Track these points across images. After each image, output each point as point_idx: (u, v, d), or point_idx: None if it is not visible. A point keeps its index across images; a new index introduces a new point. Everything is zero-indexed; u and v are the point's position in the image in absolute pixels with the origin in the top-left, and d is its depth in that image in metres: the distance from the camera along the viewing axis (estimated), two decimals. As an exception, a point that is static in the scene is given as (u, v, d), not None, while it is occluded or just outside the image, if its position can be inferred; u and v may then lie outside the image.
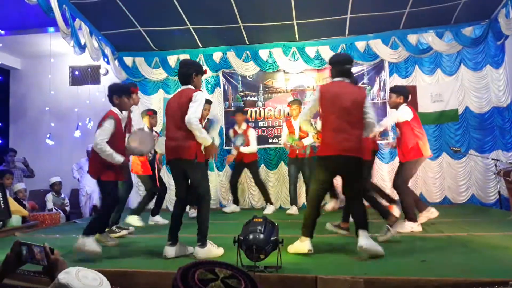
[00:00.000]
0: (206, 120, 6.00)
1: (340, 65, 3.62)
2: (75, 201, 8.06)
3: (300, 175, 6.41)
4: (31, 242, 1.52)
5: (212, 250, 3.48)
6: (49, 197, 7.45)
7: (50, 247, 1.48)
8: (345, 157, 3.40)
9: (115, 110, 3.90)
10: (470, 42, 7.06)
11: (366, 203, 3.74)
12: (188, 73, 3.62)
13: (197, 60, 7.84)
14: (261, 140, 7.50)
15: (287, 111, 7.37)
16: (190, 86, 3.63)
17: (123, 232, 4.76)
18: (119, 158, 3.74)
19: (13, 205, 5.75)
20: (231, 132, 6.92)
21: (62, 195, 7.67)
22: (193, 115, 3.40)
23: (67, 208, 7.61)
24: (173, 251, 3.46)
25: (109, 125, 3.73)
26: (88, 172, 4.14)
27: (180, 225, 3.58)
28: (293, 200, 6.44)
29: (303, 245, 3.46)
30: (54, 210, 7.10)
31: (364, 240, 3.27)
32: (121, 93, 3.96)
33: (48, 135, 7.72)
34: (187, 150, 3.46)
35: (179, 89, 3.74)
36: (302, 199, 6.90)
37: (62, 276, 1.19)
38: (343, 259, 3.27)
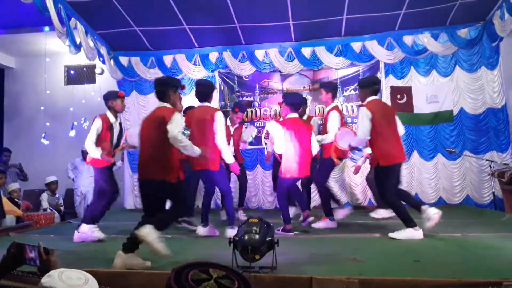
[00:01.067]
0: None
1: (373, 85, 4.47)
2: (69, 201, 8.02)
3: None
4: (25, 242, 1.52)
5: None
6: (44, 196, 7.42)
7: (45, 247, 1.47)
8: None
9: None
10: (465, 44, 7.09)
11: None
12: (163, 91, 3.53)
13: (193, 60, 7.85)
14: (256, 140, 7.50)
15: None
16: (166, 105, 3.51)
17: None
18: (197, 149, 3.55)
19: (7, 205, 5.72)
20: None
21: (57, 195, 7.64)
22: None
23: (62, 208, 7.58)
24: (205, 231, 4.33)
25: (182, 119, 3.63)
26: (146, 176, 3.47)
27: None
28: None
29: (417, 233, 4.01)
30: (48, 210, 7.07)
31: None
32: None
33: (43, 135, 7.69)
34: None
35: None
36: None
37: (45, 280, 1.19)
38: (338, 259, 3.27)
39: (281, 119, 6.17)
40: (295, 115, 4.78)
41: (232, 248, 2.83)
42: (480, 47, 7.11)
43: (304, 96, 6.64)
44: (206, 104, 4.57)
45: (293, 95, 5.50)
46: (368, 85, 4.47)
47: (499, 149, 6.95)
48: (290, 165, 4.62)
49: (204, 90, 4.59)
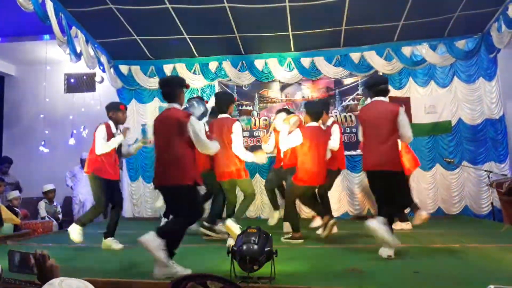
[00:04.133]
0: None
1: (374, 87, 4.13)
2: (68, 209, 8.00)
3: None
4: (22, 250, 1.51)
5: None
6: (42, 204, 7.39)
7: (42, 254, 1.46)
8: None
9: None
10: (463, 55, 7.15)
11: None
12: (172, 92, 3.46)
13: (193, 70, 7.89)
14: (256, 149, 7.48)
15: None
16: (175, 105, 3.43)
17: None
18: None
19: (5, 213, 5.71)
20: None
21: (55, 203, 7.61)
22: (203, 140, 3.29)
23: (60, 216, 7.55)
24: None
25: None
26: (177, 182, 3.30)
27: None
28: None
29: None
30: (46, 218, 7.04)
31: None
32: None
33: (42, 143, 7.68)
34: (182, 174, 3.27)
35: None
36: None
37: None
38: (337, 270, 3.26)
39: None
40: (315, 123, 4.81)
41: (230, 258, 2.83)
42: (478, 58, 7.16)
43: (326, 101, 6.68)
44: (225, 115, 4.76)
45: (314, 104, 5.56)
46: (369, 86, 4.21)
47: (497, 160, 6.97)
48: (306, 173, 4.64)
49: (221, 101, 4.87)
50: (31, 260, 1.48)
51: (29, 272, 1.49)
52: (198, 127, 3.29)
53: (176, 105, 3.43)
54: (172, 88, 3.46)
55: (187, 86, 3.62)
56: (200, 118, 4.16)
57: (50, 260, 1.46)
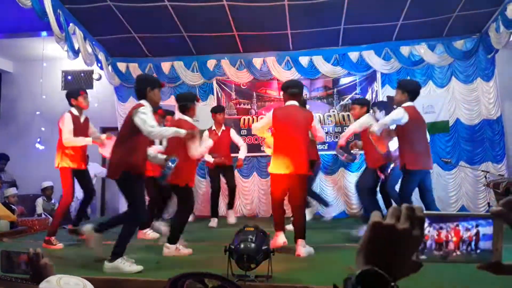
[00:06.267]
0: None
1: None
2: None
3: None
4: (17, 249, 1.50)
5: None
6: (39, 201, 7.37)
7: (36, 253, 1.44)
8: None
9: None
10: (461, 55, 7.16)
11: None
12: (142, 88, 3.70)
13: (191, 68, 7.87)
14: (254, 148, 7.50)
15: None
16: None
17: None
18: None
19: (2, 210, 5.68)
20: (206, 133, 5.89)
21: (53, 200, 7.58)
22: (146, 125, 3.46)
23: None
24: None
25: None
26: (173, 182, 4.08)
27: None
28: None
29: None
30: (43, 215, 7.02)
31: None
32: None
33: (38, 140, 7.65)
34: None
35: None
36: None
37: (43, 286, 1.18)
38: (333, 268, 3.26)
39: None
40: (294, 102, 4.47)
41: (227, 256, 2.83)
42: (476, 58, 7.17)
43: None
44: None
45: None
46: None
47: (495, 160, 6.98)
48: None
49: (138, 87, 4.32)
50: (24, 260, 1.46)
51: (21, 273, 1.47)
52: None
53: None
54: (141, 85, 3.73)
55: (162, 85, 3.91)
56: None
57: (43, 258, 1.45)
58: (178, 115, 4.70)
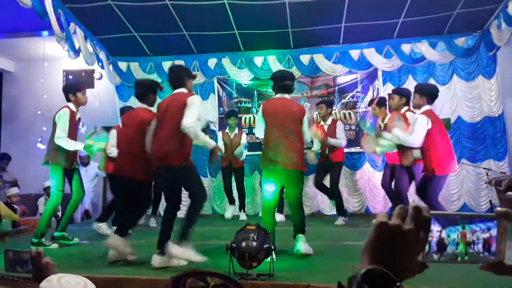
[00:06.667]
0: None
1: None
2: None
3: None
4: (19, 248, 1.50)
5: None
6: (42, 201, 7.38)
7: (38, 252, 1.44)
8: None
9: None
10: (462, 52, 7.14)
11: None
12: (181, 77, 3.64)
13: (192, 66, 7.87)
14: (255, 146, 7.49)
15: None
16: (183, 90, 3.61)
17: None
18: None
19: (4, 209, 5.70)
20: (220, 134, 6.84)
21: (54, 200, 7.58)
22: (189, 119, 3.34)
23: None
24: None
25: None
26: (119, 173, 3.90)
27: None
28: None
29: None
30: (45, 215, 7.01)
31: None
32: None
33: (39, 139, 7.66)
34: (177, 156, 3.41)
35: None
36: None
37: (44, 285, 1.18)
38: (336, 267, 3.26)
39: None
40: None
41: (229, 254, 2.83)
42: (477, 56, 7.15)
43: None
44: (181, 90, 4.10)
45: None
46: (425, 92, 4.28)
47: (496, 158, 6.97)
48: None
49: (176, 75, 4.01)
50: (26, 259, 1.46)
51: (24, 271, 1.47)
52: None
53: (183, 90, 3.65)
54: (181, 74, 3.71)
55: (195, 76, 3.89)
56: None
57: (45, 258, 1.45)
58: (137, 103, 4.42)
